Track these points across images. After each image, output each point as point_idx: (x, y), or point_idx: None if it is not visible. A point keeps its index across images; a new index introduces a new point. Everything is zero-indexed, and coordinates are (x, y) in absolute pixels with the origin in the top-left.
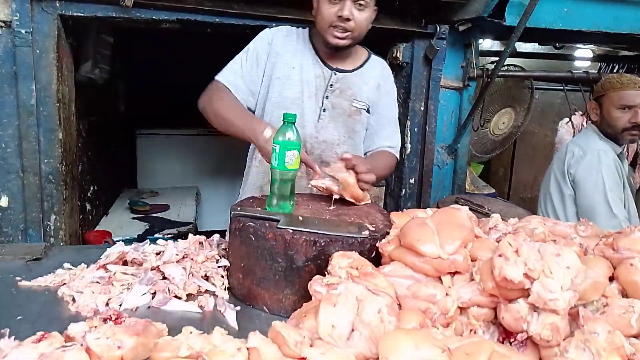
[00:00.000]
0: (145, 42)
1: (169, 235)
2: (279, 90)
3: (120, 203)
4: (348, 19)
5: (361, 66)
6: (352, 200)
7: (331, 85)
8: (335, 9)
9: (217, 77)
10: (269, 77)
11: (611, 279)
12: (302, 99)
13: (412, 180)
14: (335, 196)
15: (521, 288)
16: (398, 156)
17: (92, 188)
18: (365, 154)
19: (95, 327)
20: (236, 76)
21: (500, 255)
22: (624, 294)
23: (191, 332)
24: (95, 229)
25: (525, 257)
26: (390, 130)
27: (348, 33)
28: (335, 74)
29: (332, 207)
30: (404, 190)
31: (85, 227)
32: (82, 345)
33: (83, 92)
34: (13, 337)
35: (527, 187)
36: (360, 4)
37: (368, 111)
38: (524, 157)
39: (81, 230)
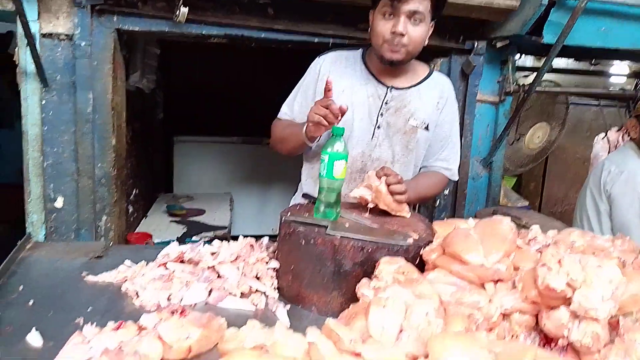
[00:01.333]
0: (182, 50)
1: (207, 239)
2: None
3: (158, 207)
4: (402, 34)
5: (419, 83)
6: (386, 208)
7: (386, 102)
8: (389, 25)
9: (278, 116)
10: None
11: None
12: (352, 121)
13: (446, 192)
14: (370, 205)
15: (563, 297)
16: (455, 178)
17: (134, 191)
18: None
19: (165, 318)
20: (289, 110)
21: (543, 265)
22: None
23: (255, 326)
24: (136, 231)
25: (567, 268)
26: (448, 151)
27: (402, 49)
28: (390, 92)
29: (366, 215)
30: (438, 201)
31: (127, 228)
32: (154, 334)
33: (129, 100)
34: (95, 323)
35: (558, 201)
36: (415, 19)
37: (427, 129)
38: (555, 171)
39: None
